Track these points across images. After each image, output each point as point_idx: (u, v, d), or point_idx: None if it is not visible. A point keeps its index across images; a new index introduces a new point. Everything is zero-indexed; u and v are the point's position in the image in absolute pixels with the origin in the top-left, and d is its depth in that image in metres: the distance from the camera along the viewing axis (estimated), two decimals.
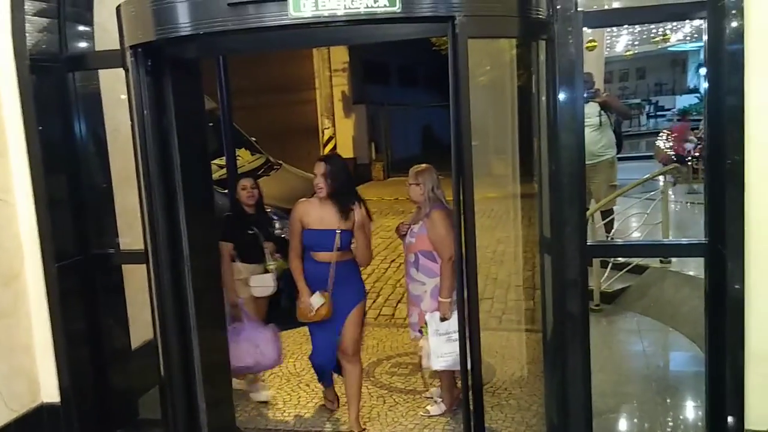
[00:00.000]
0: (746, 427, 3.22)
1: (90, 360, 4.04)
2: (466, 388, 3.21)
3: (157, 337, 3.56)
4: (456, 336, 3.55)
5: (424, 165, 4.20)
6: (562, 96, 3.14)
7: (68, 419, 3.94)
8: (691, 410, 4.32)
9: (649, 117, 26.04)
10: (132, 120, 3.32)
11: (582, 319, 3.36)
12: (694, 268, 5.69)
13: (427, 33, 3.18)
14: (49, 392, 3.95)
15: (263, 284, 4.58)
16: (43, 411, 3.94)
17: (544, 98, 3.27)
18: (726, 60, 3.01)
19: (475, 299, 3.07)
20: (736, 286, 3.13)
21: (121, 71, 3.39)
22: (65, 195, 3.91)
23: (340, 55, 16.18)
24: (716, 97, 3.14)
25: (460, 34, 2.76)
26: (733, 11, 2.96)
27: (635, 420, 4.30)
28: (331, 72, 16.14)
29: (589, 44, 10.11)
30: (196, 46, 3.54)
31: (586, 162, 7.04)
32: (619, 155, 7.56)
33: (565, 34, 3.12)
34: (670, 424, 4.26)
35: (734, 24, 2.96)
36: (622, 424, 4.23)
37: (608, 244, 5.32)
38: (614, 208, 7.31)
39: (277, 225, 6.47)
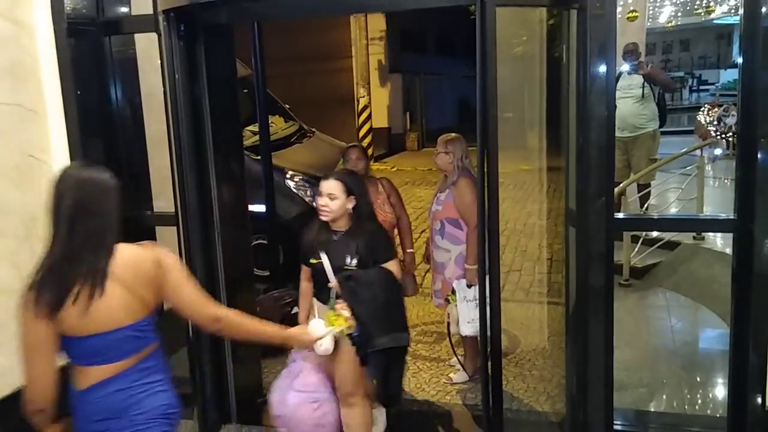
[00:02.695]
0: None
1: None
2: (485, 356, 3.26)
3: None
4: None
5: (453, 134, 4.22)
6: (592, 68, 3.11)
7: None
8: (716, 387, 4.31)
9: (691, 91, 25.40)
10: (164, 84, 3.37)
11: (606, 292, 3.35)
12: (728, 245, 5.62)
13: (455, 0, 3.16)
14: None
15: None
16: None
17: (574, 70, 3.24)
18: (761, 34, 2.94)
19: (496, 269, 3.09)
20: (764, 263, 3.10)
21: (155, 36, 3.45)
22: (101, 157, 3.99)
23: (377, 23, 16.07)
24: (750, 72, 3.07)
25: (488, 2, 2.75)
26: None
27: (659, 395, 4.30)
28: (368, 40, 16.05)
29: (630, 14, 9.92)
30: (228, 12, 3.56)
31: (628, 134, 7.09)
32: (661, 129, 7.44)
33: (597, 3, 3.07)
34: (694, 400, 4.25)
35: None
36: (647, 398, 4.23)
37: (636, 217, 5.26)
38: (652, 182, 7.22)
39: (308, 192, 6.56)
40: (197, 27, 3.47)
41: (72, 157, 3.88)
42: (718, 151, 10.58)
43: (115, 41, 3.99)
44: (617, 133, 7.26)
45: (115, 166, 4.04)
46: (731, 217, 3.28)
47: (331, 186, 3.18)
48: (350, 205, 3.20)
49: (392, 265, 3.26)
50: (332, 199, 3.16)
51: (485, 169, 2.97)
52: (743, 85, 3.14)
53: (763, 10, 2.91)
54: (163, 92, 3.39)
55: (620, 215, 4.07)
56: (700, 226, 4.86)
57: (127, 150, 4.13)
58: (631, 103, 7.14)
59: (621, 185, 6.27)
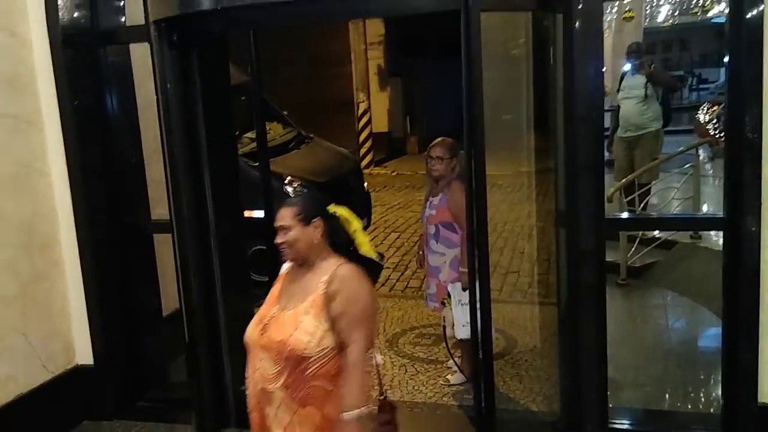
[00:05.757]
0: (760, 399, 3.23)
1: (123, 325, 4.20)
2: (477, 358, 3.29)
3: (182, 305, 3.70)
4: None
5: (447, 138, 4.23)
6: (578, 70, 3.15)
7: (101, 381, 4.12)
8: (712, 385, 4.33)
9: (691, 90, 25.38)
10: (156, 94, 3.42)
11: (598, 292, 3.39)
12: None
13: (440, 6, 3.19)
14: (84, 355, 4.12)
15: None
16: (78, 372, 4.12)
17: (561, 71, 3.28)
18: (745, 33, 2.98)
19: (485, 269, 3.12)
20: (753, 260, 3.13)
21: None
22: (98, 166, 4.04)
23: (375, 28, 16.12)
24: (736, 70, 3.11)
25: (472, 6, 2.79)
26: None
27: (656, 393, 4.32)
28: (367, 45, 16.09)
29: (627, 15, 9.97)
30: (220, 20, 3.61)
31: (631, 134, 7.11)
32: (665, 129, 7.48)
33: (582, 6, 3.11)
34: (690, 398, 4.27)
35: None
36: (643, 397, 4.25)
37: (627, 217, 5.28)
38: (653, 182, 7.24)
39: None
40: (190, 36, 3.51)
41: (69, 167, 3.93)
42: (704, 152, 10.57)
43: (111, 51, 4.05)
44: (621, 133, 7.34)
45: (112, 174, 4.10)
46: (721, 214, 3.31)
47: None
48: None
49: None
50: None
51: (473, 170, 3.00)
52: (730, 83, 3.18)
53: (747, 6, 2.95)
54: (156, 101, 3.43)
55: (614, 215, 4.10)
56: (691, 225, 4.90)
57: (124, 158, 4.18)
58: (634, 103, 7.18)
59: (619, 183, 6.31)
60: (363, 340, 2.28)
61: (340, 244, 2.44)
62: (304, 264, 2.41)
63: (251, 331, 2.41)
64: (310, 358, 2.26)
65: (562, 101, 3.26)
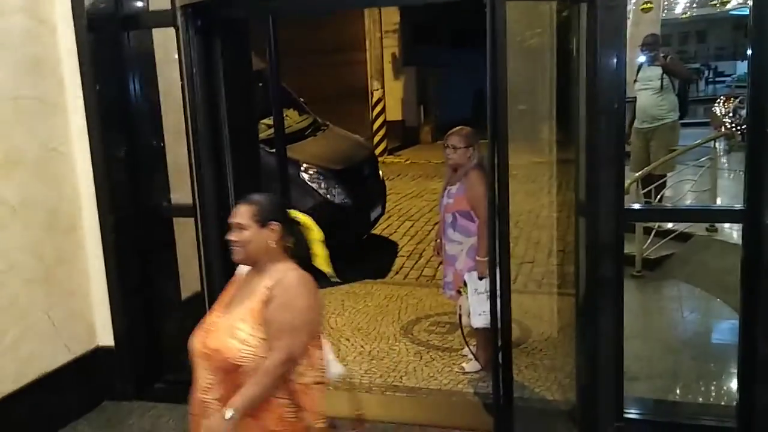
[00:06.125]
0: None
1: (142, 308, 4.26)
2: (497, 346, 3.32)
3: (203, 288, 3.74)
4: None
5: (465, 127, 4.24)
6: (602, 60, 3.15)
7: (122, 362, 4.18)
8: (728, 377, 4.34)
9: (708, 82, 25.20)
10: (182, 78, 3.45)
11: (616, 283, 3.40)
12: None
13: None
14: (105, 336, 4.19)
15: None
16: (99, 353, 4.18)
17: (585, 62, 3.28)
18: None
19: (506, 260, 3.14)
20: None
21: (173, 30, 3.53)
22: (120, 150, 4.08)
23: (391, 16, 16.08)
24: (760, 64, 3.10)
25: None
26: None
27: (671, 385, 4.34)
28: (382, 33, 16.07)
29: (645, 6, 9.90)
30: (244, 7, 3.64)
31: (647, 125, 7.10)
32: (681, 120, 7.46)
33: None
34: (705, 390, 4.29)
35: None
36: (658, 388, 4.26)
37: (646, 208, 5.29)
38: (669, 174, 7.22)
39: (322, 185, 6.63)
40: (214, 22, 3.54)
41: (92, 150, 3.97)
42: (720, 145, 10.53)
43: (134, 36, 4.08)
44: (638, 124, 7.33)
45: (133, 158, 4.14)
46: (741, 207, 3.31)
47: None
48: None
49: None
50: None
51: (496, 161, 3.01)
52: (753, 77, 3.17)
53: None
54: (181, 86, 3.47)
55: (632, 206, 4.10)
56: (710, 216, 4.88)
57: (145, 143, 4.22)
58: (650, 94, 7.17)
59: (637, 174, 6.30)
60: (284, 351, 2.11)
61: (296, 251, 2.33)
62: (254, 267, 2.30)
63: (193, 338, 2.29)
64: (246, 366, 2.12)
65: (584, 92, 3.26)
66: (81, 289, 4.08)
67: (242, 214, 2.26)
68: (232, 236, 2.27)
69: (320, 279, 4.79)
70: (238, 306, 2.24)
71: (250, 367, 2.12)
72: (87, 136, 3.96)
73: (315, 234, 2.37)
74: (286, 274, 2.21)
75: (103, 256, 4.09)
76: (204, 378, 2.22)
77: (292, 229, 2.32)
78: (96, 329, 4.18)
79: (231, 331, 2.17)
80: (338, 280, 2.74)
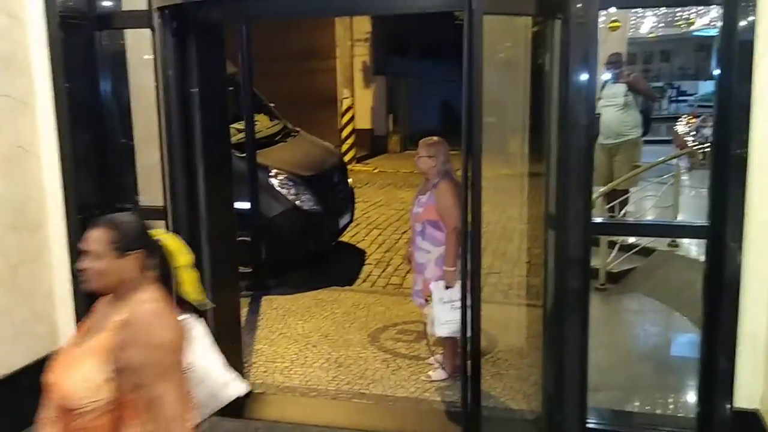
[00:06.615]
0: (735, 405, 3.33)
1: None
2: (465, 355, 3.34)
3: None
4: (459, 304, 3.68)
5: (435, 138, 4.29)
6: (574, 76, 3.21)
7: None
8: (687, 389, 4.43)
9: (671, 101, 25.77)
10: (156, 80, 3.43)
11: (582, 295, 3.46)
12: (701, 252, 5.75)
13: (444, 6, 3.24)
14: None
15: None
16: None
17: (557, 76, 3.34)
18: (737, 48, 3.06)
19: (477, 271, 3.18)
20: (734, 268, 3.22)
21: (145, 32, 3.50)
22: (89, 150, 4.02)
23: (362, 25, 16.13)
24: (726, 85, 3.19)
25: (476, 9, 2.84)
26: (748, 2, 3.01)
27: (631, 396, 4.41)
28: (353, 41, 16.10)
29: (612, 24, 10.09)
30: (220, 10, 3.64)
31: (612, 141, 7.24)
32: (644, 138, 7.62)
33: (581, 13, 3.17)
34: (665, 401, 4.37)
35: (748, 16, 3.02)
36: (619, 399, 4.33)
37: (613, 222, 5.39)
38: (632, 190, 7.37)
39: (291, 191, 6.62)
40: (190, 24, 3.53)
41: (61, 150, 3.91)
42: (683, 162, 10.78)
43: (106, 36, 4.03)
44: (602, 140, 7.46)
45: (102, 158, 4.09)
46: (705, 223, 3.40)
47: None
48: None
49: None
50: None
51: (469, 173, 3.05)
52: (719, 98, 3.26)
53: (740, 24, 3.04)
54: (155, 87, 3.44)
55: (597, 219, 4.18)
56: (675, 232, 5.00)
57: (115, 143, 4.16)
58: (614, 111, 7.32)
59: (602, 189, 6.41)
60: (174, 390, 1.88)
61: (159, 278, 2.07)
62: (113, 294, 2.01)
63: (48, 369, 2.04)
64: (81, 409, 1.88)
65: (556, 106, 3.32)
66: (45, 289, 4.01)
67: (97, 239, 1.94)
68: (84, 264, 1.95)
69: (284, 285, 4.76)
70: (93, 336, 1.98)
71: (87, 408, 1.87)
72: (56, 134, 3.90)
73: (182, 259, 2.14)
74: (140, 307, 1.93)
75: (69, 257, 4.02)
76: (47, 413, 2.01)
77: (155, 253, 2.06)
78: (59, 331, 4.11)
79: (74, 366, 1.93)
80: (209, 307, 2.52)
